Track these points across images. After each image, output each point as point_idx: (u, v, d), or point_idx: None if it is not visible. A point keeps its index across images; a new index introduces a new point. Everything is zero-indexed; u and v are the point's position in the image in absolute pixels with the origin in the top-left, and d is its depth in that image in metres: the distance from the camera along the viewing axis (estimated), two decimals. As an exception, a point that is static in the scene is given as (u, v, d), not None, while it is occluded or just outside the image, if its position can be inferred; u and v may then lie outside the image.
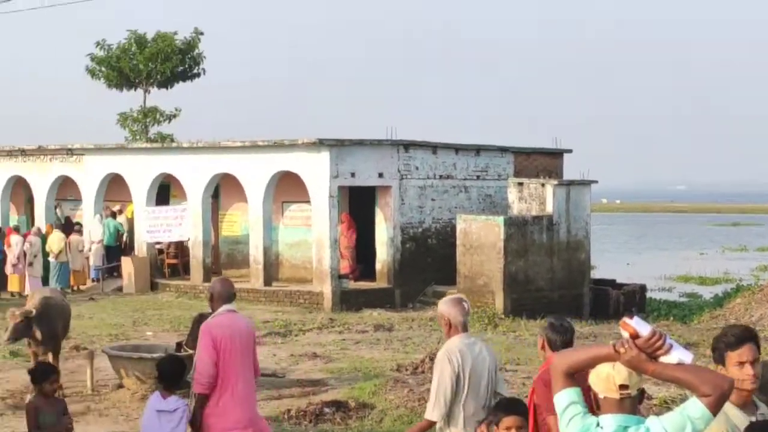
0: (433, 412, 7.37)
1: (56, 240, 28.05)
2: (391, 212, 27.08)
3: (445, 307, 7.52)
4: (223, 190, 30.66)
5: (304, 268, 28.55)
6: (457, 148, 29.05)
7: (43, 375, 8.99)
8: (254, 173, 27.54)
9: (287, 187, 28.04)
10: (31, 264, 27.34)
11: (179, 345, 15.56)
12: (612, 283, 29.20)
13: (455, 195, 28.88)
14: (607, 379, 4.29)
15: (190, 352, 15.12)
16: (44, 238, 28.41)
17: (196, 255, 28.67)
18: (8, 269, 27.52)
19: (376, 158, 26.72)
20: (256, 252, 27.54)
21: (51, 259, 27.97)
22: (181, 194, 30.16)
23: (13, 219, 33.99)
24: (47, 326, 14.53)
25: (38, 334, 14.40)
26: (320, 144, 25.90)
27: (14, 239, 27.65)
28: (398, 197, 27.17)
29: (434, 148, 28.36)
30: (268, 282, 27.33)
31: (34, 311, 14.35)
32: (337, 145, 26.05)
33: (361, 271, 27.76)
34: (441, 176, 28.44)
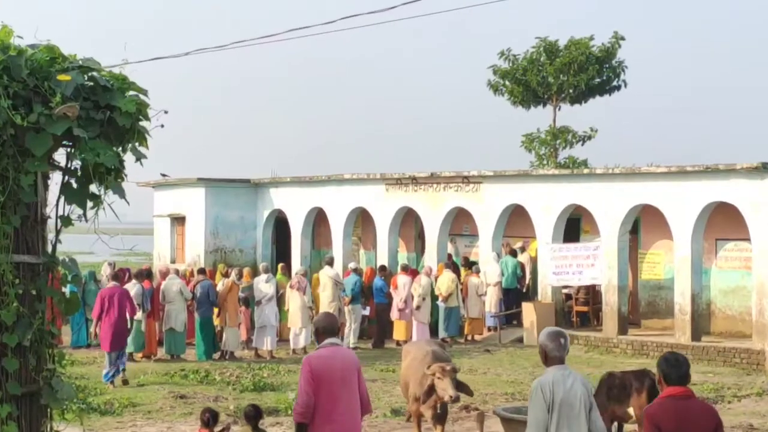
0: None
1: (447, 281, 29.13)
2: None
3: (543, 339, 9.41)
4: (643, 225, 30.50)
5: (742, 321, 27.83)
6: None
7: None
8: (681, 205, 27.15)
9: (722, 222, 27.41)
10: (418, 308, 28.55)
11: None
12: None
13: None
14: None
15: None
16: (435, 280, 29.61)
17: (610, 302, 28.65)
18: (394, 314, 28.84)
19: (835, 185, 25.46)
20: (682, 299, 27.11)
21: (440, 303, 29.12)
22: (593, 229, 30.31)
23: (402, 256, 35.74)
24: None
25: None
26: (763, 169, 25.09)
27: (401, 280, 28.88)
28: None
29: None
30: (696, 336, 26.79)
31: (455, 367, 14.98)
32: (785, 170, 25.13)
33: (815, 326, 26.51)
34: None
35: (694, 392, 8.52)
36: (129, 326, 23.44)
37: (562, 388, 9.11)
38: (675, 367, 8.49)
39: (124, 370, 22.48)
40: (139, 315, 24.74)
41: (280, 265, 30.86)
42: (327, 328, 10.32)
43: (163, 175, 40.05)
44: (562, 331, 9.66)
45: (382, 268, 30.87)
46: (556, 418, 9.05)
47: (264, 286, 26.97)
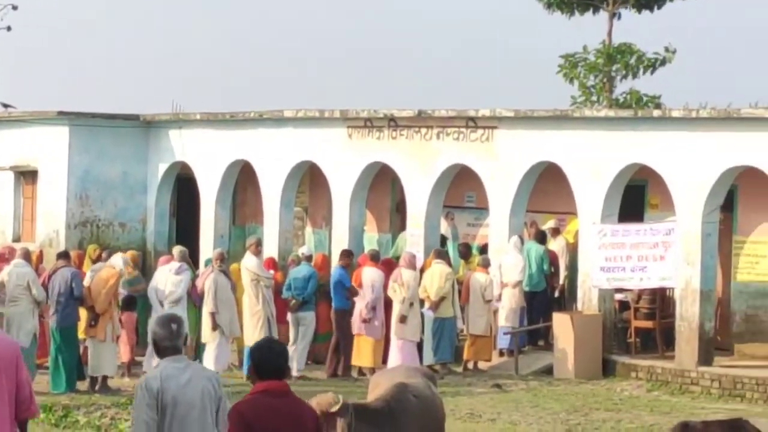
0: None
1: (438, 278, 29.09)
2: None
3: (153, 326, 11.56)
4: (741, 198, 30.48)
5: None
6: None
7: None
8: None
9: None
10: (404, 319, 28.48)
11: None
12: None
13: None
14: None
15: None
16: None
17: (687, 315, 28.63)
18: (355, 326, 28.74)
19: None
20: (797, 315, 27.33)
21: (426, 310, 29.10)
22: (665, 203, 30.26)
23: (370, 238, 35.89)
24: None
25: None
26: None
27: (369, 274, 28.90)
28: None
29: None
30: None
31: (347, 405, 14.92)
32: None
33: None
34: None
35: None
36: None
37: (174, 384, 10.98)
38: (270, 356, 10.74)
39: None
40: None
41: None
42: None
43: (5, 106, 39.87)
44: (175, 316, 11.84)
45: (346, 254, 30.56)
46: (169, 419, 10.97)
47: (171, 280, 26.72)
